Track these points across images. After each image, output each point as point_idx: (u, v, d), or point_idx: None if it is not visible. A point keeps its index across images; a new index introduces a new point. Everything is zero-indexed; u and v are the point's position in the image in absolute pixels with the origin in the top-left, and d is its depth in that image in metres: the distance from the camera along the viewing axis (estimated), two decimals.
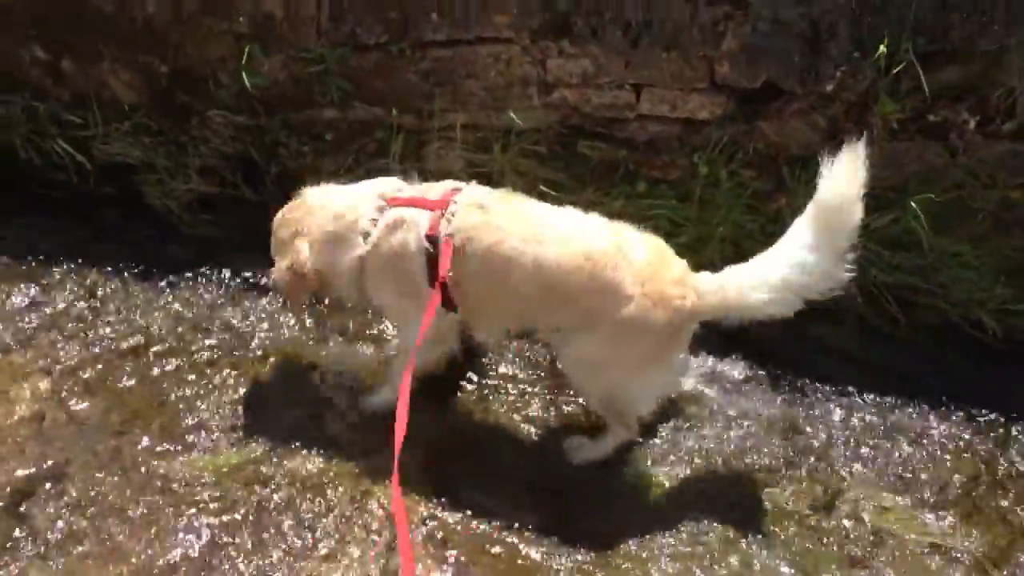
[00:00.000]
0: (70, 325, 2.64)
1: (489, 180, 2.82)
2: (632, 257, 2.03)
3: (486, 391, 2.48)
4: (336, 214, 2.19)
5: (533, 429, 2.38)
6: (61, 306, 2.69)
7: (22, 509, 2.06)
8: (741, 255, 2.58)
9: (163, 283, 2.80)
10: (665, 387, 2.29)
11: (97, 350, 2.53)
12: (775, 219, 2.82)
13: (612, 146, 2.91)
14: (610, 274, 2.01)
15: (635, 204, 2.88)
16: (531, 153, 2.92)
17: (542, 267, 2.03)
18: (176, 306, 2.70)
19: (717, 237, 2.80)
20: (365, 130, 2.98)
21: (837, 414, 2.48)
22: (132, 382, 2.41)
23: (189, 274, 2.80)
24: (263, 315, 2.69)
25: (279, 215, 2.31)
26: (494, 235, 2.07)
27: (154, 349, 2.53)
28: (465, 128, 2.92)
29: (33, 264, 2.84)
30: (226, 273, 2.86)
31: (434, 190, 2.19)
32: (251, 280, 2.82)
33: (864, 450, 2.37)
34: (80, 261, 2.86)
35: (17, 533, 2.00)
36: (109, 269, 2.85)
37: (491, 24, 2.77)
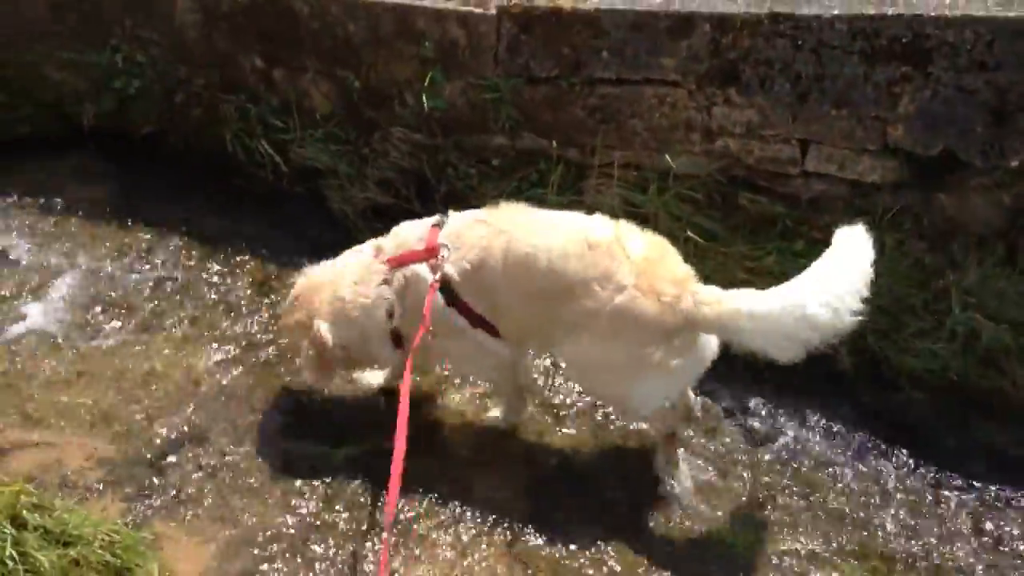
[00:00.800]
0: (243, 305, 3.47)
1: (643, 220, 3.40)
2: (631, 249, 2.35)
3: None
4: (349, 288, 2.63)
5: None
6: (240, 286, 3.58)
7: (163, 462, 2.76)
8: (898, 329, 2.99)
9: None
10: (664, 393, 2.48)
11: (257, 331, 3.34)
12: (942, 297, 3.15)
13: (772, 201, 3.33)
14: (607, 262, 2.34)
15: (789, 262, 3.29)
16: (687, 198, 3.41)
17: (550, 255, 2.38)
18: None
19: (872, 308, 3.18)
20: (530, 159, 3.64)
21: None
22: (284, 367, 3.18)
23: None
24: None
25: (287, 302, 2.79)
26: (503, 239, 2.45)
27: None
28: (625, 167, 3.49)
29: (227, 248, 3.70)
30: None
31: (410, 237, 2.64)
32: None
33: None
34: (263, 250, 3.72)
35: (154, 481, 2.70)
36: (285, 260, 3.74)
37: (659, 66, 3.30)
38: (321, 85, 3.69)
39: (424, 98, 3.51)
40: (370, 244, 2.72)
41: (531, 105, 3.40)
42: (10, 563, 2.02)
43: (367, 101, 3.64)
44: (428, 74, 3.47)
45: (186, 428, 2.90)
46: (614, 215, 2.93)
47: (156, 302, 3.44)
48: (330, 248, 3.51)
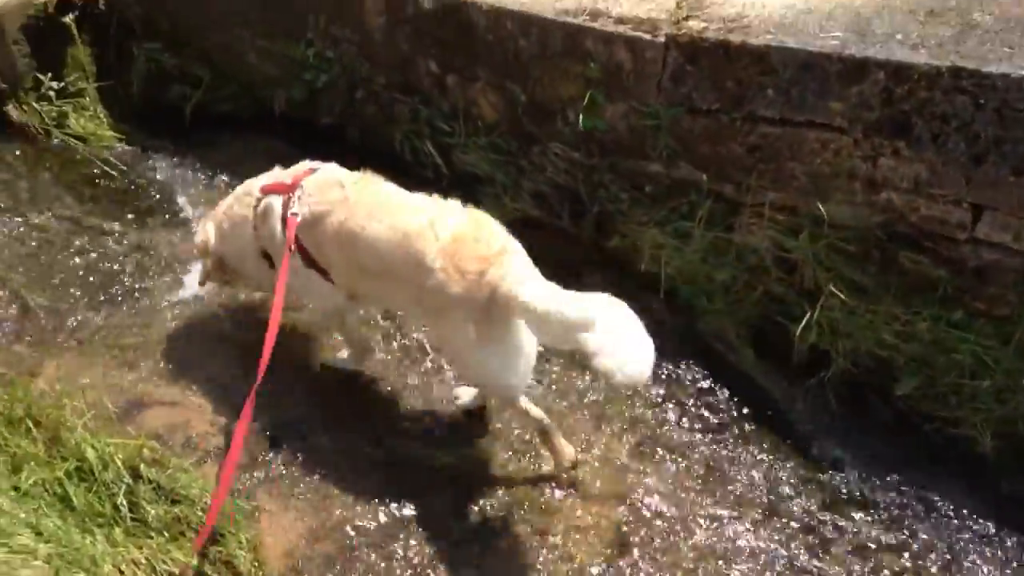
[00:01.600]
0: None
1: (792, 267, 3.55)
2: (440, 233, 2.69)
3: None
4: (228, 206, 3.29)
5: None
6: None
7: (280, 439, 3.19)
8: None
9: None
10: (510, 367, 2.77)
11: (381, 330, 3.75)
12: None
13: (934, 264, 3.34)
14: (418, 246, 2.68)
15: (943, 332, 3.32)
16: (841, 249, 3.50)
17: (375, 242, 2.78)
18: None
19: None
20: (682, 190, 3.84)
21: None
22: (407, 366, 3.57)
23: None
24: None
25: None
26: (345, 211, 2.86)
27: None
28: (778, 208, 3.61)
29: None
30: None
31: (291, 172, 3.10)
32: None
33: None
34: None
35: (267, 456, 3.12)
36: None
37: (826, 110, 3.40)
38: (489, 95, 4.06)
39: (584, 117, 3.77)
40: (264, 175, 3.24)
41: (689, 136, 3.60)
42: (122, 509, 2.51)
43: (530, 115, 3.97)
44: (591, 94, 3.72)
45: (299, 413, 3.35)
46: (762, 256, 3.15)
47: None
48: None
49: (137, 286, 4.00)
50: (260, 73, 4.73)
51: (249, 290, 3.73)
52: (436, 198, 2.93)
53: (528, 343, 2.75)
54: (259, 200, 3.13)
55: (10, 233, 4.25)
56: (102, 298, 3.93)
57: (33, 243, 4.21)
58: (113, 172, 4.61)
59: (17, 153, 4.71)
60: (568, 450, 3.01)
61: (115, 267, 4.10)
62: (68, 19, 4.69)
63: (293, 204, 2.95)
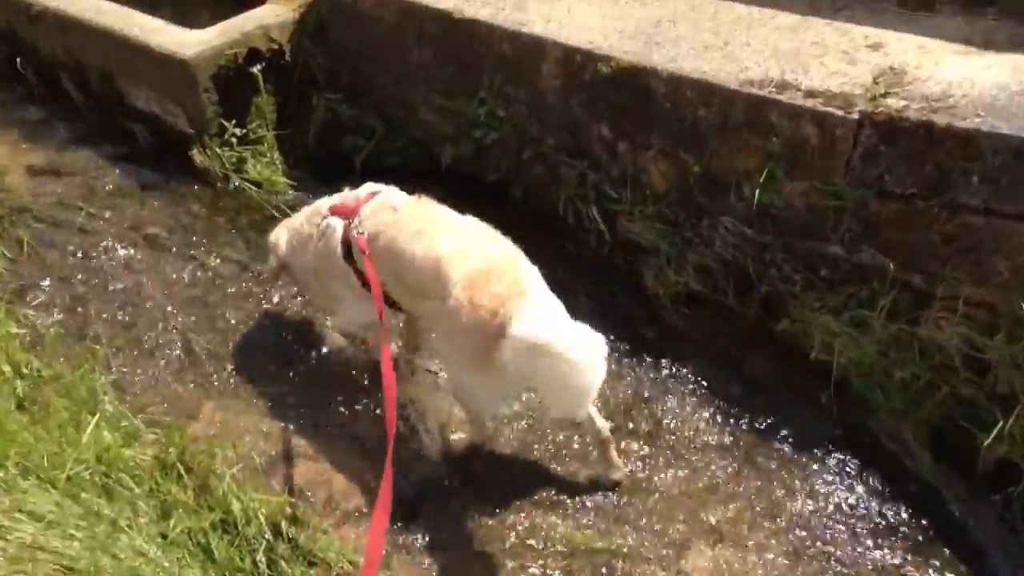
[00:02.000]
0: None
1: (985, 368, 3.34)
2: (468, 262, 2.95)
3: None
4: (300, 220, 3.72)
5: None
6: None
7: (418, 506, 3.31)
8: None
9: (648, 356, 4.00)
10: (497, 399, 3.17)
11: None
12: None
13: None
14: (444, 271, 2.95)
15: None
16: None
17: (413, 261, 3.09)
18: None
19: None
20: (863, 276, 3.69)
21: None
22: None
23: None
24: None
25: None
26: (394, 231, 3.19)
27: None
28: (974, 304, 3.42)
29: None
30: (684, 369, 3.96)
31: (354, 195, 3.48)
32: (691, 377, 3.87)
33: None
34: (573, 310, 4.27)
35: (405, 521, 3.24)
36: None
37: None
38: (661, 164, 4.07)
39: (761, 193, 3.70)
40: (334, 195, 3.62)
41: (877, 220, 3.48)
42: (260, 566, 2.60)
43: (702, 186, 3.95)
44: (770, 169, 3.66)
45: (445, 471, 3.44)
46: (950, 354, 2.99)
47: None
48: (633, 322, 3.87)
49: (291, 335, 4.19)
50: (431, 128, 4.91)
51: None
52: (480, 225, 3.24)
53: (510, 390, 3.17)
54: (323, 219, 3.47)
55: (183, 274, 4.56)
56: (260, 344, 4.10)
57: (202, 285, 4.50)
58: (284, 216, 4.83)
59: (197, 196, 5.01)
60: (618, 467, 3.35)
61: (276, 314, 4.32)
62: (255, 69, 5.01)
63: (357, 226, 3.30)
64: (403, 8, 4.78)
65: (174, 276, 4.51)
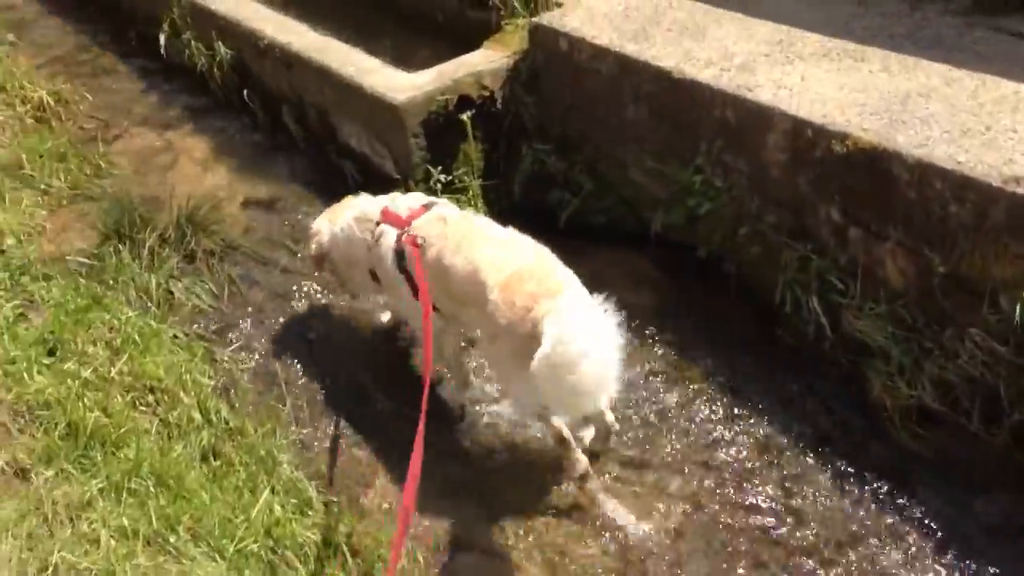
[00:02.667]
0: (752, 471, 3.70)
1: None
2: (504, 267, 3.17)
3: None
4: (351, 219, 3.92)
5: None
6: (743, 449, 3.79)
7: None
8: None
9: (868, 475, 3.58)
10: (535, 394, 3.05)
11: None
12: None
13: None
14: (481, 278, 3.19)
15: None
16: None
17: (455, 272, 3.32)
18: None
19: None
20: None
21: None
22: None
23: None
24: None
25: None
26: (442, 243, 3.40)
27: None
28: None
29: (750, 396, 3.99)
30: (910, 500, 3.48)
31: (406, 205, 3.73)
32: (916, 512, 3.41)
33: None
34: (775, 412, 3.89)
35: None
36: (795, 430, 3.80)
37: None
38: (899, 258, 3.62)
39: (1023, 309, 3.18)
40: (380, 198, 3.93)
41: None
42: None
43: (948, 290, 3.48)
44: None
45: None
46: None
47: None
48: (853, 433, 3.47)
49: (466, 406, 4.05)
50: (642, 190, 4.65)
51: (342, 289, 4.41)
52: (520, 236, 3.45)
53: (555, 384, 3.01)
54: (377, 225, 3.72)
55: (375, 328, 4.48)
56: (441, 407, 4.03)
57: (395, 342, 4.47)
58: None
59: None
60: (582, 463, 3.49)
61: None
62: (465, 116, 4.91)
63: (410, 238, 3.54)
64: (621, 63, 4.53)
65: (367, 329, 4.44)
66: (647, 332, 4.34)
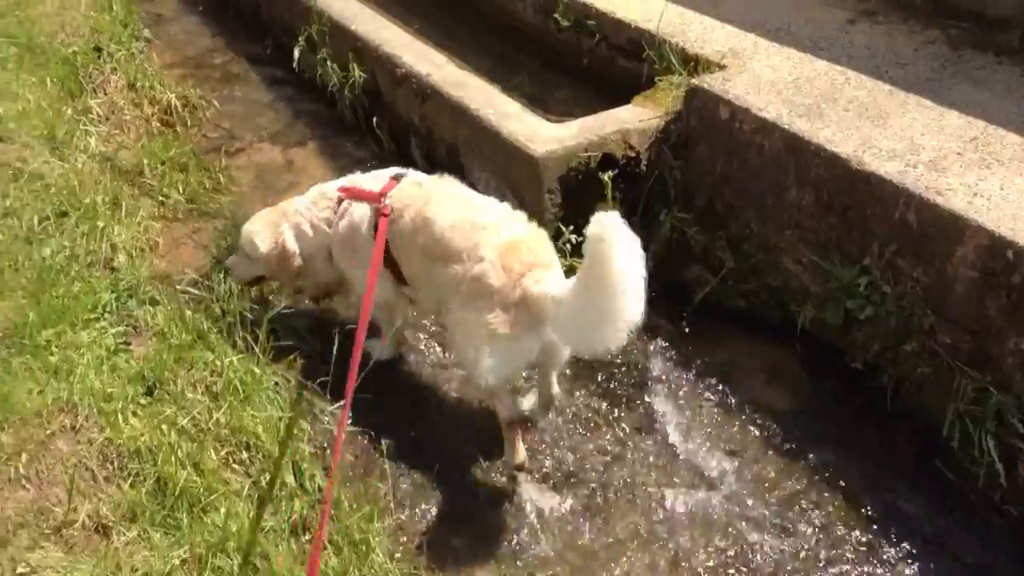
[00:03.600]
0: None
1: None
2: (503, 232, 3.31)
3: None
4: (306, 208, 3.92)
5: None
6: None
7: None
8: None
9: None
10: (509, 364, 3.35)
11: None
12: None
13: None
14: (478, 237, 3.29)
15: None
16: None
17: (443, 225, 3.41)
18: None
19: None
20: None
21: None
22: None
23: None
24: None
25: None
26: (423, 200, 3.52)
27: None
28: None
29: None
30: None
31: (377, 180, 3.75)
32: None
33: None
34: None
35: None
36: None
37: None
38: None
39: None
40: (339, 179, 3.96)
41: None
42: None
43: None
44: None
45: None
46: None
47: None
48: None
49: (588, 501, 3.77)
50: (793, 280, 4.25)
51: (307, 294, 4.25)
52: (508, 208, 3.58)
53: (524, 355, 3.35)
54: (339, 202, 3.78)
55: (484, 402, 4.13)
56: (552, 501, 3.79)
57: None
58: None
59: None
60: (521, 453, 3.60)
61: (575, 464, 3.94)
62: (606, 176, 4.57)
63: (385, 205, 3.55)
64: (788, 141, 4.13)
65: (476, 399, 4.12)
66: (783, 441, 3.99)
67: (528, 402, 3.92)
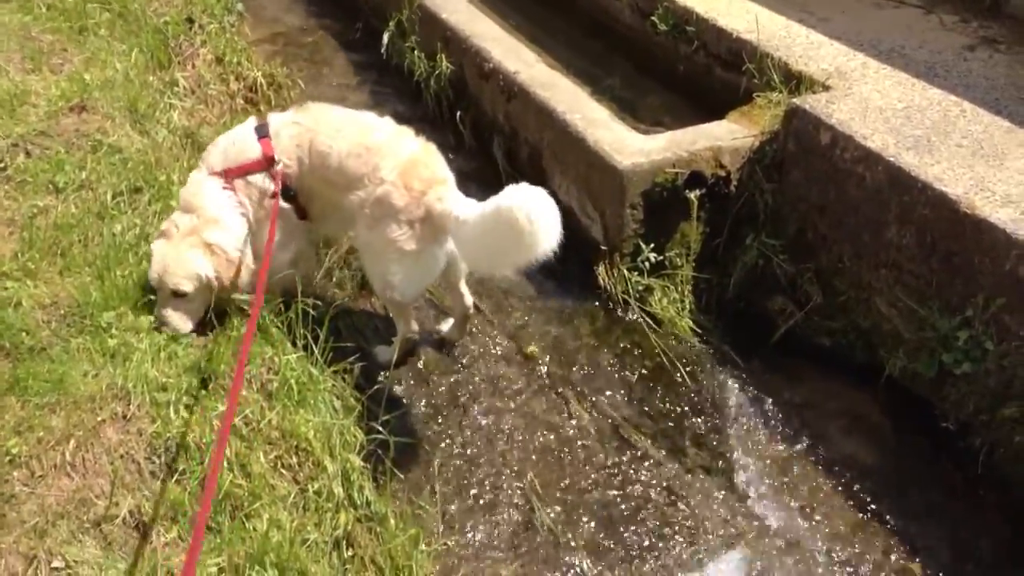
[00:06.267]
0: None
1: None
2: (399, 151, 3.47)
3: None
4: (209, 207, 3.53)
5: None
6: None
7: None
8: None
9: None
10: (415, 278, 3.64)
11: None
12: None
13: None
14: (377, 160, 3.43)
15: None
16: None
17: (340, 154, 3.48)
18: None
19: None
20: None
21: None
22: None
23: None
24: None
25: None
26: (310, 137, 3.52)
27: None
28: None
29: None
30: None
31: (245, 145, 3.62)
32: None
33: None
34: None
35: None
36: None
37: None
38: None
39: None
40: (195, 172, 3.64)
41: None
42: None
43: None
44: None
45: None
46: None
47: None
48: None
49: (647, 541, 3.58)
50: (884, 323, 3.99)
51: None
52: (387, 120, 3.67)
53: (433, 267, 3.62)
54: (231, 184, 3.54)
55: (547, 415, 4.10)
56: (608, 538, 3.59)
57: (564, 436, 4.02)
58: (674, 373, 4.25)
59: (589, 317, 4.57)
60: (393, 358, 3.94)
61: (635, 500, 3.75)
62: (692, 195, 4.36)
63: (280, 173, 3.49)
64: (893, 175, 3.86)
65: (537, 415, 4.03)
66: (859, 495, 3.76)
67: (445, 326, 4.28)
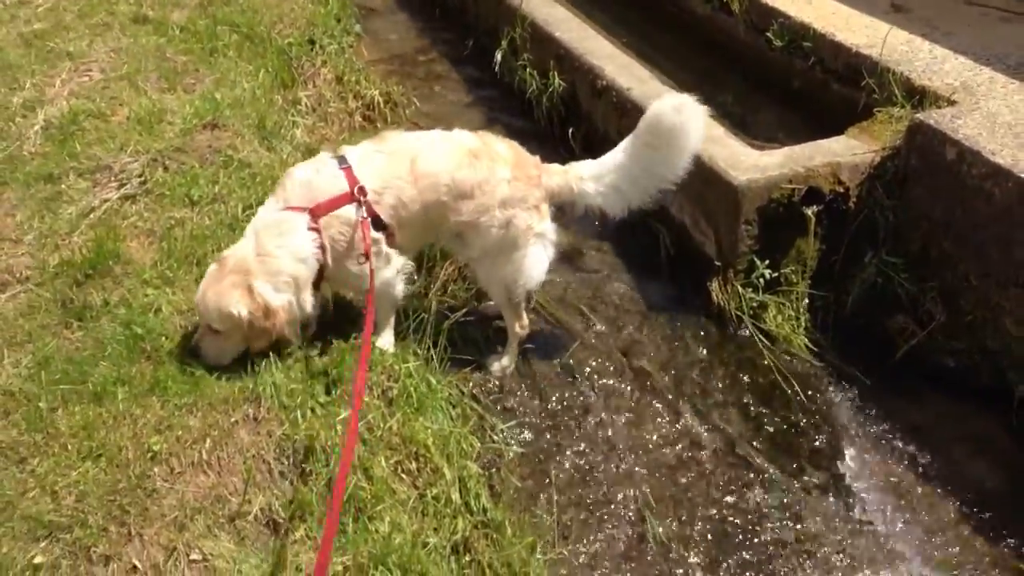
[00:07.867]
0: None
1: None
2: (498, 151, 3.71)
3: None
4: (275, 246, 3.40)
5: None
6: None
7: None
8: None
9: None
10: (546, 261, 3.93)
11: None
12: None
13: None
14: (487, 163, 3.62)
15: None
16: None
17: (449, 170, 3.59)
18: None
19: None
20: None
21: None
22: None
23: None
24: None
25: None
26: (407, 162, 3.57)
27: None
28: None
29: None
30: None
31: (330, 178, 3.52)
32: None
33: None
34: None
35: None
36: None
37: None
38: None
39: None
40: (271, 204, 3.50)
41: None
42: None
43: None
44: None
45: None
46: None
47: None
48: None
49: (761, 559, 3.55)
50: (1013, 345, 3.87)
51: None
52: (463, 131, 3.78)
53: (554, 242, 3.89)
54: (317, 224, 3.42)
55: (660, 430, 4.11)
56: (722, 554, 3.56)
57: (677, 452, 4.01)
58: (789, 391, 4.17)
59: (701, 333, 4.52)
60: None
61: (749, 517, 3.71)
62: (809, 211, 4.30)
63: (368, 203, 3.47)
64: (1023, 192, 3.71)
65: (650, 429, 4.02)
66: (988, 523, 3.64)
67: (499, 365, 4.21)
